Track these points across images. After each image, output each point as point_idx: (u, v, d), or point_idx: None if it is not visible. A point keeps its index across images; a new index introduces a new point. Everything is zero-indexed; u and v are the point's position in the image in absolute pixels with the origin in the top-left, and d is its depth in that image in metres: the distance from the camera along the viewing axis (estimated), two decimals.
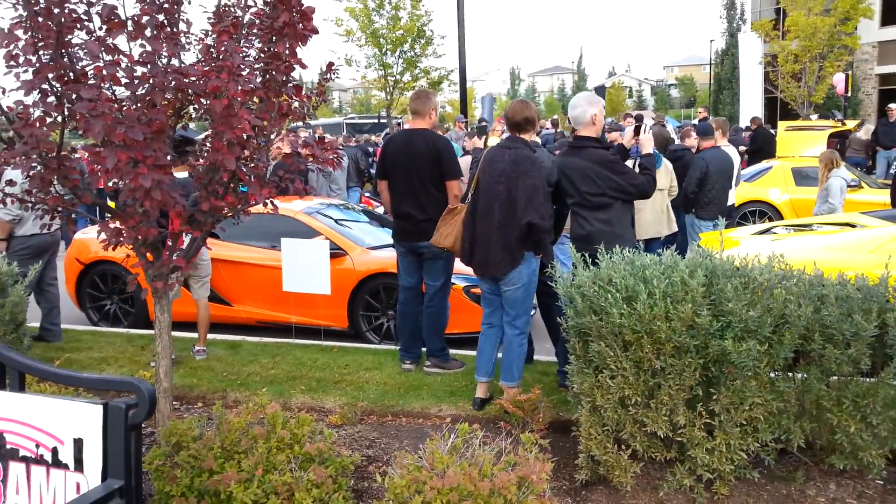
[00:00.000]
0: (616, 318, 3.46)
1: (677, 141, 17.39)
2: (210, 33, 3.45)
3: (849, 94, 24.08)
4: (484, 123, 15.71)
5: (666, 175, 7.65)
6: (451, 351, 5.73)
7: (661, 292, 3.45)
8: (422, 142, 5.35)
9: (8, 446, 2.53)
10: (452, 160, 5.37)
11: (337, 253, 6.68)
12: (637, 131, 5.06)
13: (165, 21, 3.33)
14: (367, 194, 13.09)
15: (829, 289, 3.49)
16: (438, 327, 5.56)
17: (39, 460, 2.50)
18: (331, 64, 4.50)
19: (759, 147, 14.86)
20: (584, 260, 3.91)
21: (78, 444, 2.44)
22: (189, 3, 3.56)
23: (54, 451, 2.47)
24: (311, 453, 3.24)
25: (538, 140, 5.67)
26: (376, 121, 29.16)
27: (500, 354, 4.89)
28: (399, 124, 25.86)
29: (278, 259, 6.42)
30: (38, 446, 2.49)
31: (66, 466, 2.47)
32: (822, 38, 22.71)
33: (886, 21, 26.74)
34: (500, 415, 4.52)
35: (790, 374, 3.53)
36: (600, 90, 23.93)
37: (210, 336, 6.62)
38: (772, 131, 16.94)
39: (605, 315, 3.53)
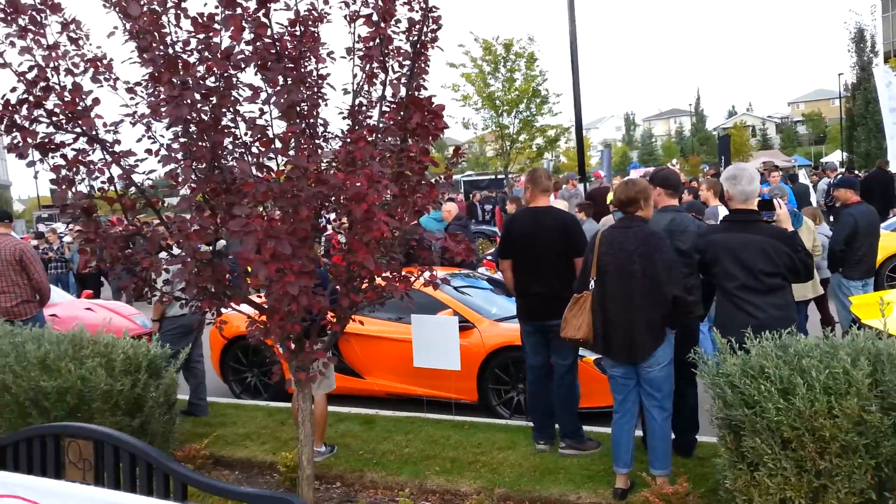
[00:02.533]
0: (772, 413, 3.23)
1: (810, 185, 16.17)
2: (347, 137, 3.60)
3: None
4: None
5: (808, 234, 7.22)
6: (586, 428, 5.57)
7: (820, 385, 3.21)
8: (550, 219, 5.32)
9: None
10: (581, 236, 5.32)
11: (465, 326, 6.69)
12: (766, 206, 4.64)
13: (305, 127, 3.51)
14: (488, 256, 12.98)
15: None
16: (571, 407, 5.42)
17: None
18: (457, 148, 4.60)
19: (869, 189, 13.51)
20: (730, 346, 3.71)
21: None
22: (325, 105, 3.76)
23: None
24: None
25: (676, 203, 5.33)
26: (493, 177, 29.54)
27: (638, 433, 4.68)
28: (516, 180, 26.05)
29: (407, 332, 6.51)
30: None
31: None
32: None
33: None
34: None
35: None
36: (724, 140, 23.02)
37: (344, 409, 6.78)
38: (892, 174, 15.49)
39: (758, 408, 3.32)
